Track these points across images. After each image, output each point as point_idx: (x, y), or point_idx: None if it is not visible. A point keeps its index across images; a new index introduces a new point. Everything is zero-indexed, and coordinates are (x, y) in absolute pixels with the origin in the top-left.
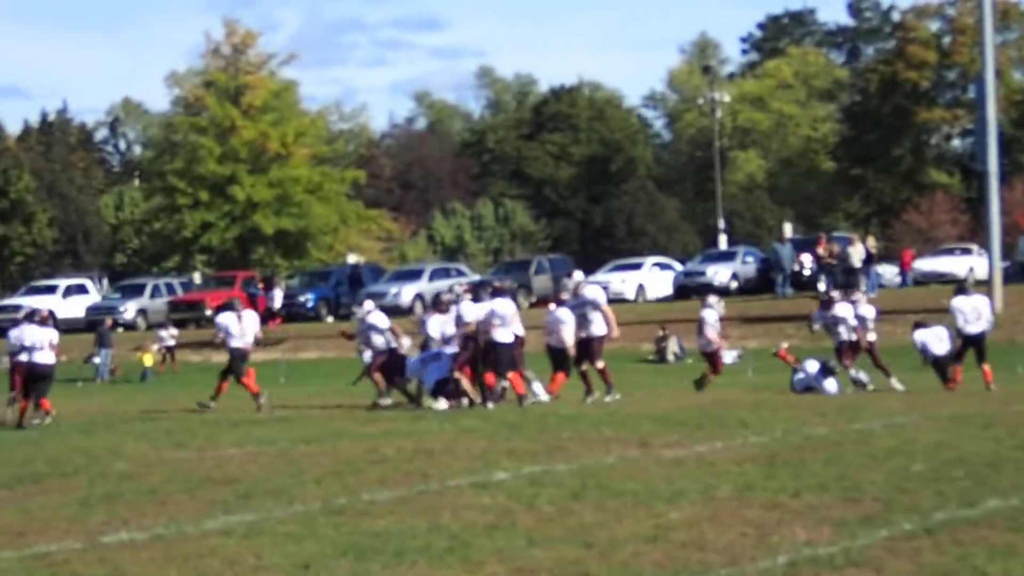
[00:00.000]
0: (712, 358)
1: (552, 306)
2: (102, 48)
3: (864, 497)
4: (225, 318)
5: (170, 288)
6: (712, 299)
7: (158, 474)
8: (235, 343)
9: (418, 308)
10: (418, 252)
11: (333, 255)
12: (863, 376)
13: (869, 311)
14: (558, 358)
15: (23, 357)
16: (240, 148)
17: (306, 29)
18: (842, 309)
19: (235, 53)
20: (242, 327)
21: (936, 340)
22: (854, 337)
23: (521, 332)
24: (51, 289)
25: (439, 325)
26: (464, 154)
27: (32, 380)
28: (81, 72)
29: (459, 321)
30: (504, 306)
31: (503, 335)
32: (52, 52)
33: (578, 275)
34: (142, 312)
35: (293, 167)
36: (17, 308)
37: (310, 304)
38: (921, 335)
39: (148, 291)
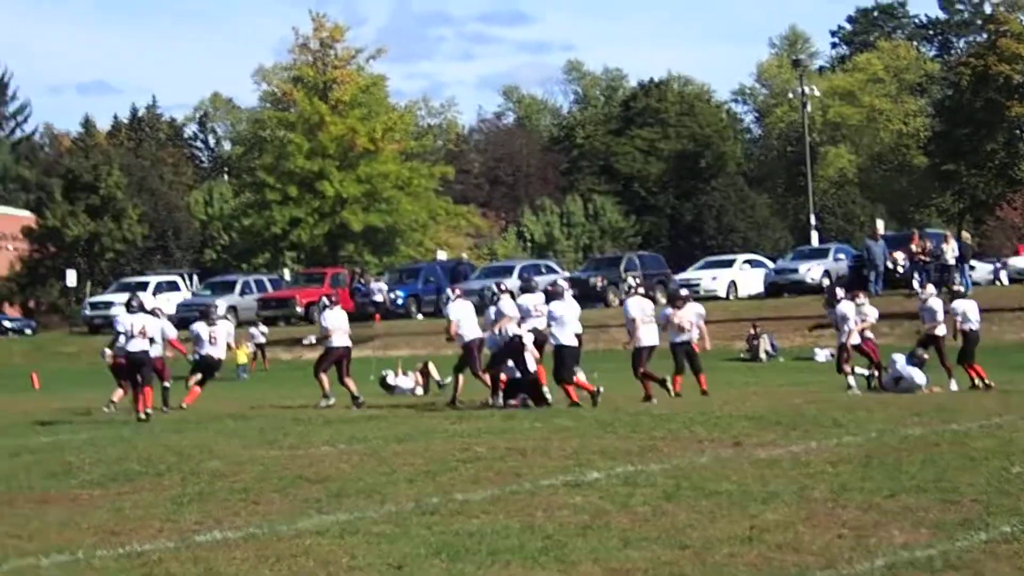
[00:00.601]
0: (862, 352)
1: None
2: (191, 43)
3: (962, 499)
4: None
5: (260, 285)
6: (860, 298)
7: (250, 472)
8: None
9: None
10: (508, 249)
11: (422, 251)
12: (852, 381)
13: (871, 312)
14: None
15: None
16: (328, 144)
17: (393, 23)
18: (845, 307)
19: (323, 48)
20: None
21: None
22: (855, 339)
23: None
24: (142, 286)
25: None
26: (553, 149)
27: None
28: (170, 67)
29: (498, 316)
30: (561, 308)
31: (565, 337)
32: (141, 47)
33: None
34: (232, 309)
35: (381, 163)
36: (108, 305)
37: (400, 301)
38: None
39: (238, 288)
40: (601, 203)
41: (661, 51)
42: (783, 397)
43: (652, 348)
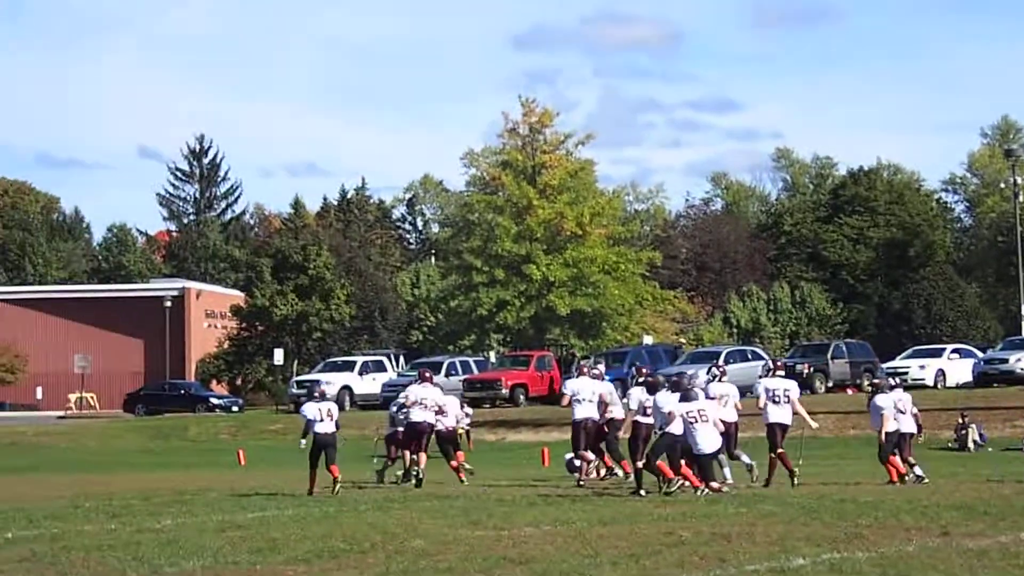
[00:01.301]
0: None
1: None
2: (401, 127)
3: None
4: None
5: (465, 366)
6: None
7: (455, 552)
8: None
9: None
10: (714, 334)
11: (628, 336)
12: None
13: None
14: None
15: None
16: (536, 227)
17: (602, 109)
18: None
19: (532, 133)
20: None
21: None
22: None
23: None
24: (349, 365)
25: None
26: (760, 236)
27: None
28: (380, 150)
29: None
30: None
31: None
32: (351, 130)
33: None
34: (437, 388)
35: (589, 247)
36: (316, 383)
37: None
38: None
39: (444, 369)
40: (808, 290)
41: (871, 139)
42: (992, 487)
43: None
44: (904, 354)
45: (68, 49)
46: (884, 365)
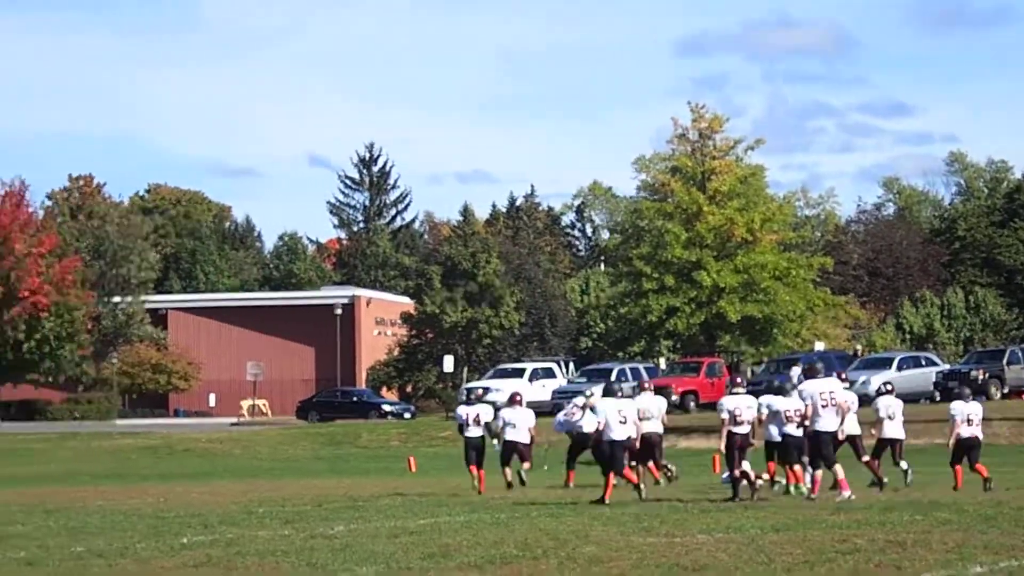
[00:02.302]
0: None
1: None
2: (570, 134)
3: None
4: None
5: (635, 373)
6: None
7: (627, 559)
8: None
9: None
10: (886, 340)
11: (799, 342)
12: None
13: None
14: None
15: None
16: (706, 234)
17: (771, 114)
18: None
19: (702, 139)
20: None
21: None
22: None
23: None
24: (519, 372)
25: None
26: (934, 241)
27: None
28: (549, 157)
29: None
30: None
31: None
32: (520, 138)
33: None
34: None
35: (759, 253)
36: (486, 391)
37: None
38: None
39: (614, 375)
40: (983, 295)
41: None
42: None
43: None
44: None
45: (240, 59)
46: None
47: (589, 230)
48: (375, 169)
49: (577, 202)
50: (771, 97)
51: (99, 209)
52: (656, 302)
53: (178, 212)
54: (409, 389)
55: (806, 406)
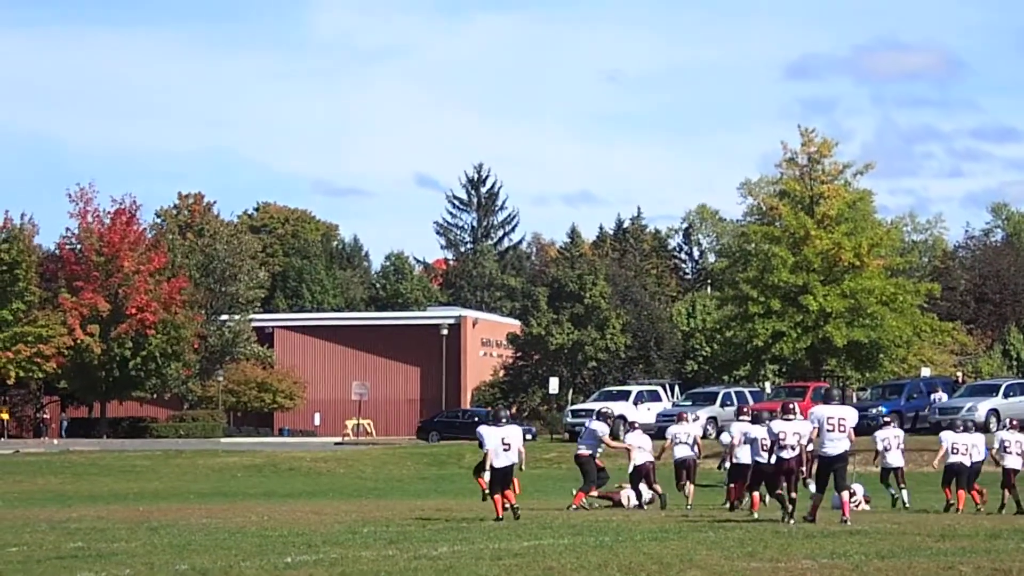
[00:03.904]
0: None
1: None
2: (678, 156)
3: None
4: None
5: (740, 396)
6: None
7: None
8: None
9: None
10: (992, 367)
11: (906, 368)
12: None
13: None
14: None
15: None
16: (813, 258)
17: (880, 138)
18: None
19: (811, 163)
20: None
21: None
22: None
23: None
24: (624, 395)
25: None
26: None
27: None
28: (656, 179)
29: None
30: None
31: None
32: (627, 160)
33: None
34: (713, 420)
35: (867, 278)
36: (589, 413)
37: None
38: None
39: (719, 399)
40: None
41: None
42: None
43: None
44: None
45: (348, 79)
46: None
47: (696, 253)
48: (483, 190)
49: (684, 225)
50: (879, 121)
51: (208, 227)
52: (762, 326)
53: (286, 231)
54: (514, 410)
55: (813, 429)
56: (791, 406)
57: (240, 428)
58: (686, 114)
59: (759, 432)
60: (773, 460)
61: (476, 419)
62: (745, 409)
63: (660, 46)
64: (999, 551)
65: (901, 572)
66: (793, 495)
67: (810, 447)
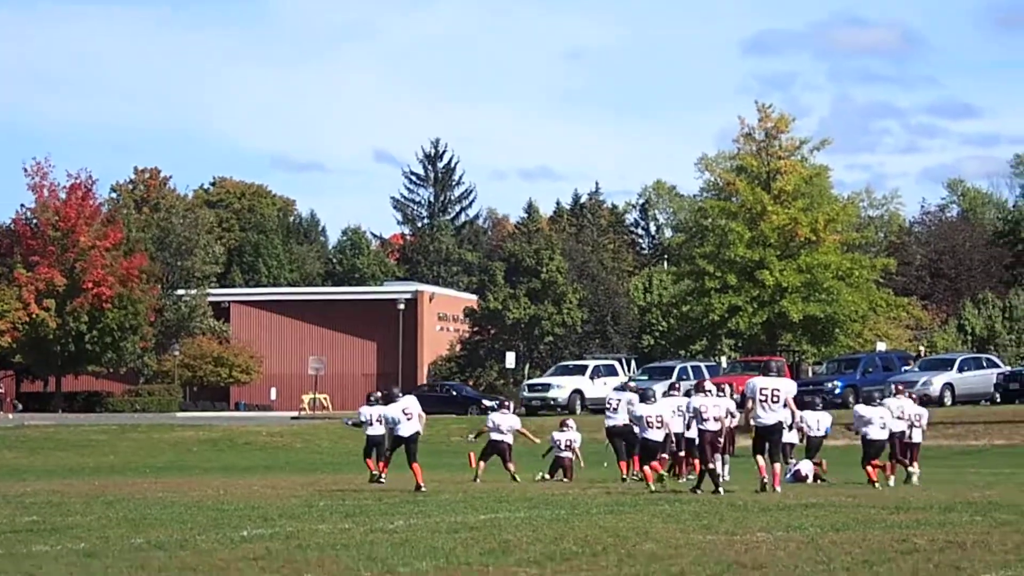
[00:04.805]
0: None
1: None
2: (635, 132)
3: None
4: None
5: (697, 371)
6: None
7: (686, 556)
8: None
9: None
10: (947, 341)
11: (861, 342)
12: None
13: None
14: None
15: None
16: (770, 233)
17: (837, 114)
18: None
19: (768, 139)
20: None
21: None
22: None
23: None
24: (580, 369)
25: None
26: (997, 243)
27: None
28: (614, 155)
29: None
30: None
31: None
32: (584, 136)
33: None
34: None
35: (823, 253)
36: (546, 387)
37: (837, 391)
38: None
39: (675, 374)
40: None
41: None
42: None
43: None
44: None
45: (309, 56)
46: None
47: (653, 228)
48: (440, 165)
49: (641, 200)
50: (837, 97)
51: (164, 202)
52: (718, 301)
53: (242, 206)
54: (470, 385)
55: (747, 399)
56: (704, 383)
57: (196, 403)
58: (644, 90)
59: (645, 410)
60: (695, 433)
61: (455, 393)
62: (677, 387)
63: (619, 22)
64: (953, 523)
65: (856, 544)
66: (711, 465)
67: (733, 422)
